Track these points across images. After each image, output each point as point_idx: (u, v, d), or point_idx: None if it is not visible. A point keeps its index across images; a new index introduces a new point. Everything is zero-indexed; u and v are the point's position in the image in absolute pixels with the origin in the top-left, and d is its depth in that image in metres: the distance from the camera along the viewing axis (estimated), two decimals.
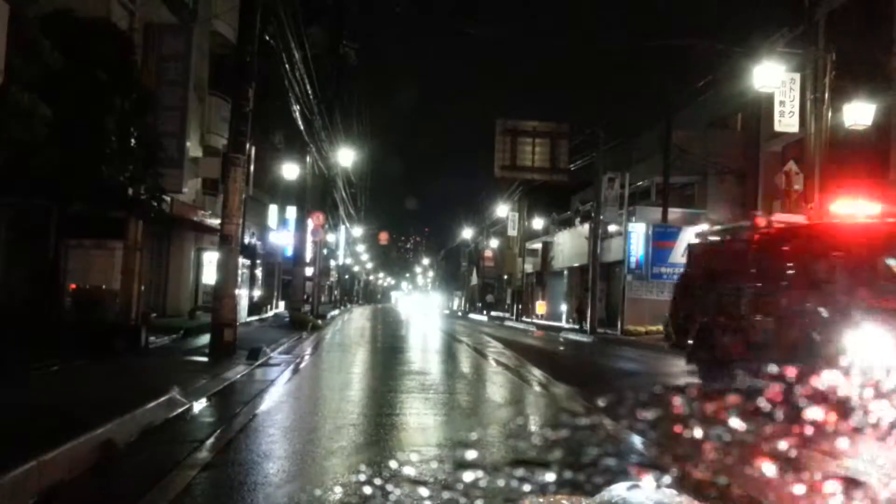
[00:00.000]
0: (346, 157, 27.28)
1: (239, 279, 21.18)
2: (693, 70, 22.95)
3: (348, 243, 58.01)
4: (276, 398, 8.38)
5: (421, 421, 7.12)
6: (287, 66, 18.48)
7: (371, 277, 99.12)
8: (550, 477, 1.24)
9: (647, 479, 1.29)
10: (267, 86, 17.96)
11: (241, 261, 22.06)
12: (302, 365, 12.34)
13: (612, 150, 27.55)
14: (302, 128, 22.00)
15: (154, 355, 11.59)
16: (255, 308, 25.28)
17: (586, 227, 30.85)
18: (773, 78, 13.10)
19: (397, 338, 22.16)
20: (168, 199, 14.77)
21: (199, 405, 7.37)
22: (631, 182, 27.55)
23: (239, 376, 10.05)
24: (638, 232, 25.93)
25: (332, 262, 59.54)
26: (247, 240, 24.92)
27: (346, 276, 65.10)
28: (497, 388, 10.78)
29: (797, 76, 13.89)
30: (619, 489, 1.30)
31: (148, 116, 11.91)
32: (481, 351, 17.23)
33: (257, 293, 27.50)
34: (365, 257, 75.91)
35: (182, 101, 14.17)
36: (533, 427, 6.79)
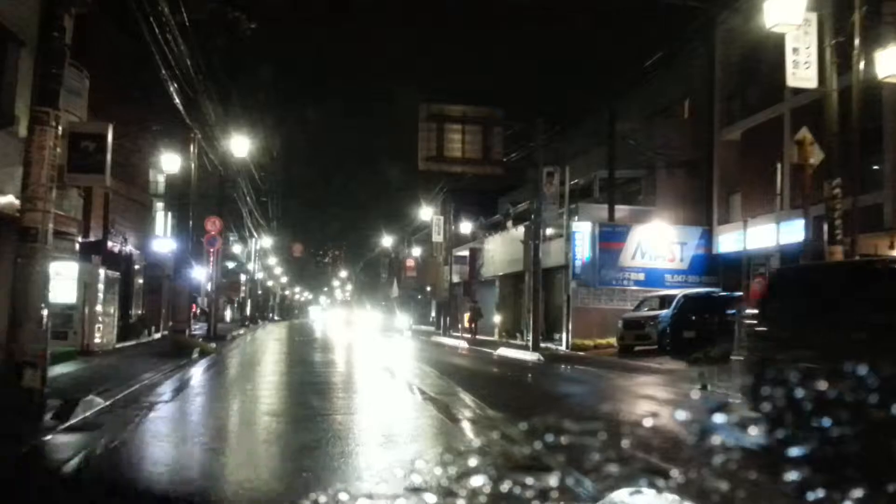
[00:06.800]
0: (241, 145, 22.91)
1: (100, 294, 16.91)
2: (637, 52, 20.30)
3: (260, 256, 53.26)
4: None
5: None
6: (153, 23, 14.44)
7: (287, 292, 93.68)
8: None
9: (650, 485, 1.27)
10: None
11: (108, 273, 17.76)
12: (145, 420, 8.29)
13: (548, 145, 24.42)
14: (181, 108, 17.83)
15: None
16: (131, 331, 20.78)
17: (520, 229, 27.71)
18: (791, 13, 9.93)
19: (303, 363, 18.19)
20: None
21: None
22: (570, 178, 24.49)
23: (17, 455, 6.07)
24: (583, 232, 22.89)
25: (243, 277, 54.46)
26: (118, 247, 20.51)
27: (260, 292, 59.90)
28: (429, 439, 7.16)
29: (813, 16, 10.86)
30: (621, 495, 1.33)
31: None
32: (407, 380, 13.55)
33: (136, 312, 22.95)
34: (279, 271, 70.84)
35: None
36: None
